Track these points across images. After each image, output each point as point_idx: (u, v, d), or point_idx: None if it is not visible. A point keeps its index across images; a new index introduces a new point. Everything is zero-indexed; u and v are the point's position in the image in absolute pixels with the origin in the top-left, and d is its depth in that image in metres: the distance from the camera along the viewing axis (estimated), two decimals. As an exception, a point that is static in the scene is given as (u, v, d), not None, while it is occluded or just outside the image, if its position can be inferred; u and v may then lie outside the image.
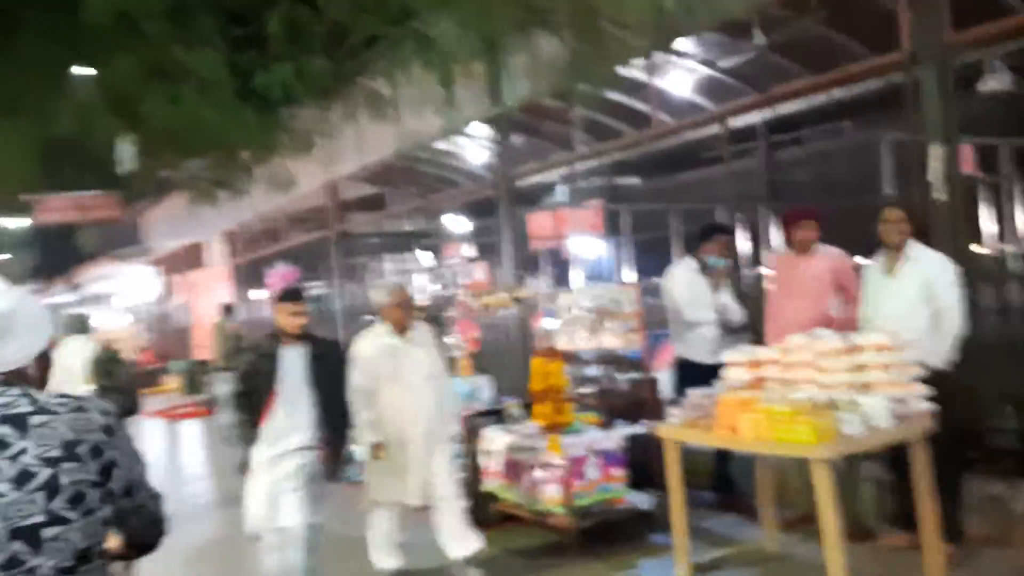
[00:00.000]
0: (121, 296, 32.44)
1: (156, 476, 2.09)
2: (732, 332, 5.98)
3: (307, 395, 4.69)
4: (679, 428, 4.66)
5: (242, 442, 4.82)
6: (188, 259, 22.30)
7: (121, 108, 8.39)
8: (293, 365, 4.69)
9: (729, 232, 6.47)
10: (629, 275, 13.28)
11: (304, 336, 4.74)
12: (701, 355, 5.91)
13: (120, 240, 28.75)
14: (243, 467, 4.83)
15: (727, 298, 6.08)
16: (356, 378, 5.02)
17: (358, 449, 5.33)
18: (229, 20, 7.97)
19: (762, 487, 5.26)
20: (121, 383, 7.40)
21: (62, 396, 1.90)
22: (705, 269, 6.11)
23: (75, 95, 7.84)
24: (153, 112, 8.27)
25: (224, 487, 9.45)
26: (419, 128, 11.57)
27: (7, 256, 54.44)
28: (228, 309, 12.75)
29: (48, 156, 8.65)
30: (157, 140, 9.72)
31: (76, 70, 8.67)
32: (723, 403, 4.38)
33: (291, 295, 4.77)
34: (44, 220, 27.71)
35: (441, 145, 14.26)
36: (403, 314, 5.12)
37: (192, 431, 14.03)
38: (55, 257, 43.73)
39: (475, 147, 14.98)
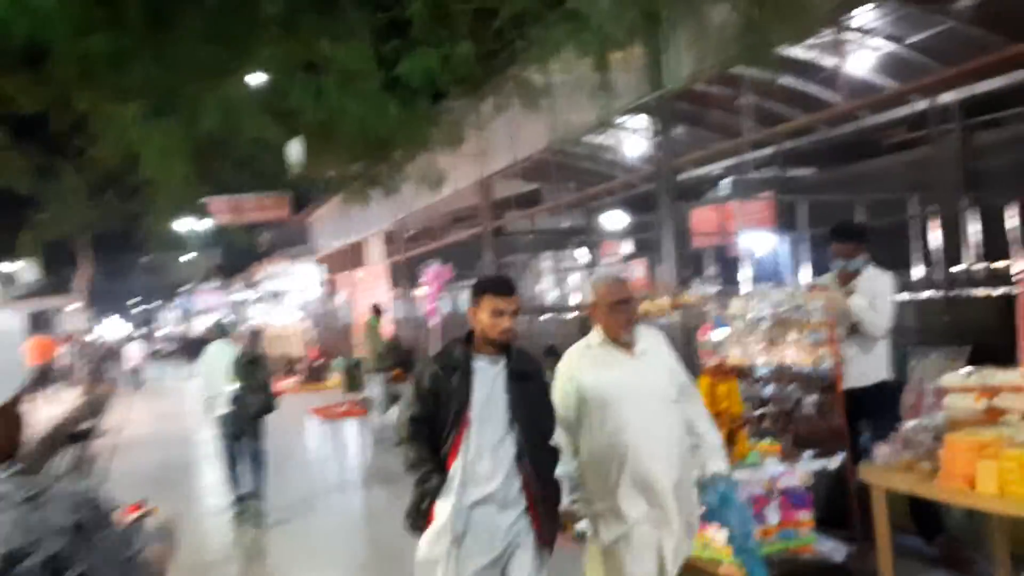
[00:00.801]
0: (292, 293, 33.75)
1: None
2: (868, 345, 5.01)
3: (509, 430, 3.32)
4: (889, 472, 3.71)
5: (416, 513, 3.45)
6: (350, 258, 22.66)
7: (269, 104, 8.19)
8: (491, 385, 3.35)
9: (858, 232, 5.38)
10: (805, 274, 12.05)
11: (505, 346, 3.41)
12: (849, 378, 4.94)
13: (291, 239, 29.85)
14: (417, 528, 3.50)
15: (860, 303, 5.01)
16: (563, 409, 3.63)
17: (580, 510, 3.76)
18: (373, 7, 7.57)
19: (996, 539, 4.18)
20: (260, 382, 8.06)
21: (19, 474, 1.29)
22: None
23: (224, 92, 7.64)
24: (300, 107, 8.04)
25: (369, 500, 9.14)
26: (574, 119, 10.89)
27: (193, 255, 58.32)
28: (378, 309, 12.52)
29: (199, 156, 8.59)
30: (308, 137, 9.54)
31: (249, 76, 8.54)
32: (952, 445, 3.40)
33: (499, 285, 3.44)
34: (219, 221, 29.19)
35: (597, 138, 13.55)
36: (624, 317, 3.67)
37: (346, 432, 13.97)
38: (236, 256, 46.36)
39: (633, 138, 14.17)
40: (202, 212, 29.88)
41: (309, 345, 27.28)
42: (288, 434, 14.04)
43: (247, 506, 8.03)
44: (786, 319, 5.01)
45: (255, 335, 8.29)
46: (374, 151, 10.19)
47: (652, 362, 3.70)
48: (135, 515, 6.58)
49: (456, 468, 3.30)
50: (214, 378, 8.07)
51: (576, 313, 14.47)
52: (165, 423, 17.00)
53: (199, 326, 45.13)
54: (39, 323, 37.98)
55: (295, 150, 17.84)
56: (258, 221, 32.40)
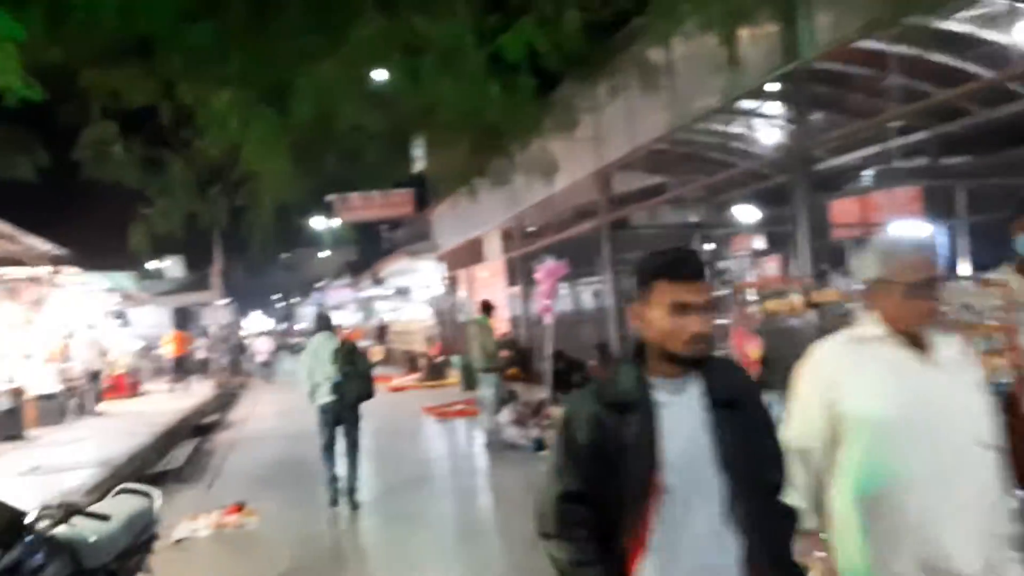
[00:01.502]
0: (417, 290, 33.98)
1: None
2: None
3: (718, 492, 2.13)
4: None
5: None
6: (469, 254, 22.36)
7: (362, 88, 7.76)
8: (687, 426, 2.16)
9: None
10: (964, 268, 10.74)
11: (698, 361, 2.18)
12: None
13: (416, 236, 29.96)
14: None
15: None
16: (803, 438, 2.50)
17: None
18: (473, -21, 7.01)
19: None
20: (359, 371, 8.60)
21: None
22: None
23: (319, 78, 7.25)
24: (397, 90, 7.59)
25: (471, 509, 8.61)
26: (698, 102, 10.03)
27: (328, 253, 60.10)
28: (487, 306, 12.01)
29: (302, 148, 8.26)
30: (410, 125, 9.09)
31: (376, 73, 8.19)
32: None
33: (680, 266, 2.18)
34: (345, 218, 29.63)
35: (724, 125, 12.58)
36: (929, 305, 2.40)
37: (457, 432, 13.54)
38: (365, 253, 47.36)
39: (765, 125, 13.11)
40: (327, 210, 30.54)
41: (432, 341, 27.29)
42: (396, 432, 13.78)
43: (341, 489, 8.50)
44: (951, 322, 4.09)
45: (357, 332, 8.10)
46: (483, 140, 9.65)
47: (960, 378, 2.43)
48: (233, 516, 6.11)
49: (647, 569, 2.13)
50: (317, 367, 8.60)
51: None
52: (287, 418, 17.08)
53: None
54: (183, 318, 39.87)
55: (416, 146, 17.68)
56: (383, 218, 32.87)
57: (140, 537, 4.43)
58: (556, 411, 10.98)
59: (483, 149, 10.15)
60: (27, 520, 3.50)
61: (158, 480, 10.38)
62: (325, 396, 8.48)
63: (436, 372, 23.78)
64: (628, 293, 2.07)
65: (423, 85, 7.21)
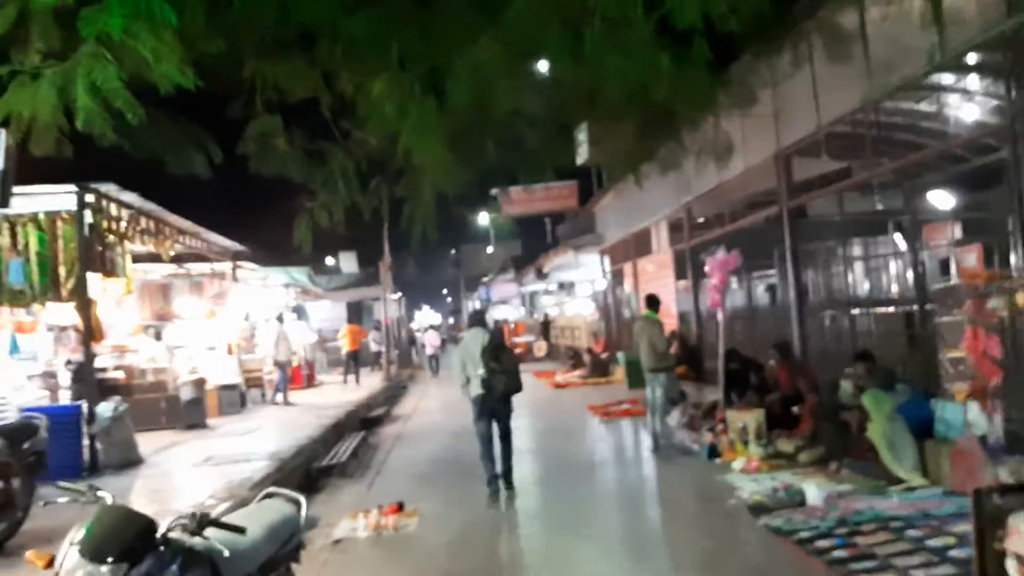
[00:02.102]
0: (581, 284, 33.51)
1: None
2: None
3: None
4: None
5: None
6: (634, 247, 21.60)
7: (520, 70, 7.29)
8: None
9: None
10: None
11: None
12: None
13: (580, 229, 29.47)
14: None
15: None
16: None
17: None
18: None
19: None
20: (506, 366, 8.87)
21: None
22: None
23: (475, 60, 6.85)
24: (558, 70, 7.08)
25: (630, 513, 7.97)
26: (895, 72, 8.91)
27: (492, 249, 60.75)
28: (653, 301, 11.30)
29: (461, 137, 7.91)
30: (573, 108, 8.54)
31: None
32: None
33: None
34: (508, 212, 29.51)
35: (917, 103, 11.24)
36: None
37: (622, 432, 12.91)
38: (529, 247, 47.41)
39: (968, 99, 11.64)
40: (494, 204, 30.53)
41: (596, 337, 26.73)
42: (559, 431, 13.33)
43: (500, 484, 8.75)
44: None
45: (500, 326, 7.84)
46: (651, 121, 8.98)
47: None
48: (394, 517, 5.75)
49: None
50: (469, 362, 8.92)
51: (894, 308, 12.22)
52: (452, 413, 17.01)
53: (495, 315, 46.70)
54: (357, 311, 41.31)
55: (579, 132, 17.13)
56: (546, 212, 32.55)
57: (285, 547, 4.14)
58: (731, 414, 10.14)
59: (651, 131, 9.48)
60: (160, 531, 3.23)
61: (322, 475, 10.42)
62: (477, 389, 8.83)
63: (600, 369, 23.22)
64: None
65: (586, 62, 6.65)
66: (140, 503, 7.86)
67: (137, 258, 16.22)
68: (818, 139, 10.62)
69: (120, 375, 14.87)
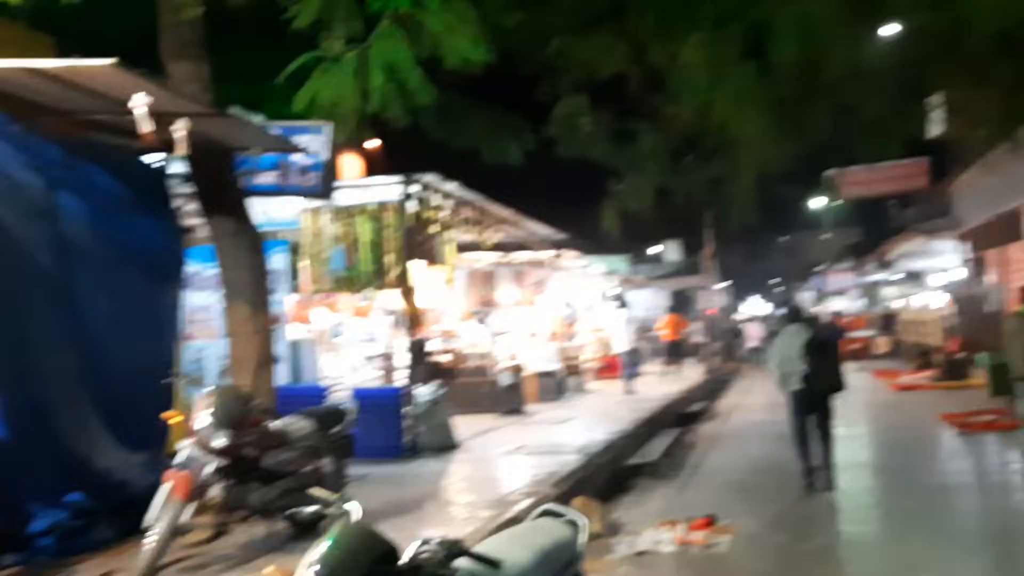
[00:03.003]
0: (932, 275, 29.82)
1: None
2: None
3: None
4: None
5: None
6: (1003, 230, 18.47)
7: (861, 19, 6.09)
8: None
9: None
10: None
11: None
12: None
13: (930, 212, 26.14)
14: None
15: None
16: None
17: None
18: None
19: None
20: (829, 363, 8.59)
21: None
22: None
23: (804, 11, 5.83)
24: (906, 10, 5.81)
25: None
26: None
27: (828, 236, 56.69)
28: (1034, 294, 9.27)
29: (781, 105, 6.88)
30: (922, 63, 7.06)
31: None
32: None
33: None
34: (847, 194, 26.89)
35: None
36: None
37: (987, 449, 10.85)
38: (869, 234, 43.36)
39: None
40: (828, 187, 28.03)
41: (949, 335, 23.52)
42: (904, 443, 11.58)
43: (817, 477, 8.56)
44: None
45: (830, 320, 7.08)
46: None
47: None
48: (704, 532, 4.95)
49: None
50: (787, 356, 8.72)
51: None
52: (778, 412, 15.64)
53: (831, 307, 43.45)
54: (680, 301, 40.62)
55: (933, 101, 14.82)
56: (890, 193, 29.25)
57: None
58: None
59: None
60: (403, 558, 2.81)
61: (631, 474, 9.89)
62: (795, 384, 8.65)
63: (954, 371, 20.29)
64: None
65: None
66: (448, 491, 7.87)
67: (463, 247, 16.97)
68: None
69: (448, 358, 15.57)
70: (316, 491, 3.11)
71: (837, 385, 8.61)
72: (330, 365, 11.82)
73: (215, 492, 5.60)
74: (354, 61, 5.27)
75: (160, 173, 7.45)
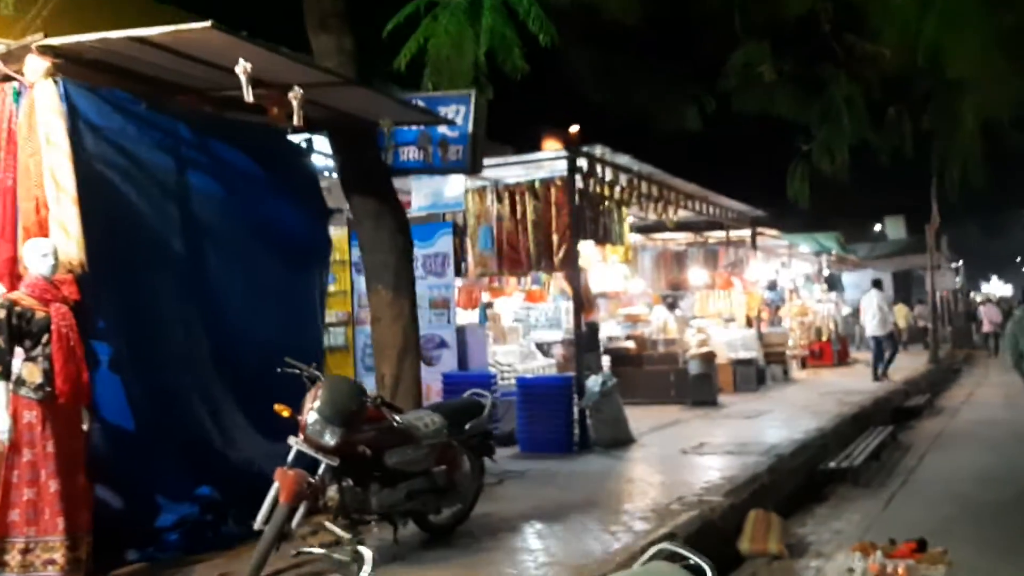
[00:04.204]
0: None
1: None
2: None
3: None
4: None
5: None
6: None
7: None
8: None
9: None
10: None
11: None
12: None
13: None
14: None
15: None
16: None
17: None
18: None
19: None
20: None
21: None
22: None
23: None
24: None
25: None
26: None
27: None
28: None
29: (1012, 31, 5.43)
30: None
31: None
32: None
33: None
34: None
35: None
36: None
37: None
38: None
39: None
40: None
41: None
42: None
43: None
44: None
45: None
46: None
47: None
48: (909, 562, 3.78)
49: None
50: (1022, 338, 8.38)
51: None
52: (1019, 408, 13.48)
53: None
54: (905, 282, 37.06)
55: None
56: None
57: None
58: None
59: None
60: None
61: (830, 479, 8.62)
62: None
63: None
64: None
65: None
66: (604, 495, 7.04)
67: (646, 228, 15.92)
68: None
69: (631, 344, 14.66)
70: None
71: None
72: (502, 352, 11.29)
73: (331, 494, 5.13)
74: (465, 2, 4.57)
75: (300, 151, 7.14)
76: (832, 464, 8.89)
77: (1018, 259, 75.61)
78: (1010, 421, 12.16)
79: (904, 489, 8.31)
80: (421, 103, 7.23)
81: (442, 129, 7.36)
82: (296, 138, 7.21)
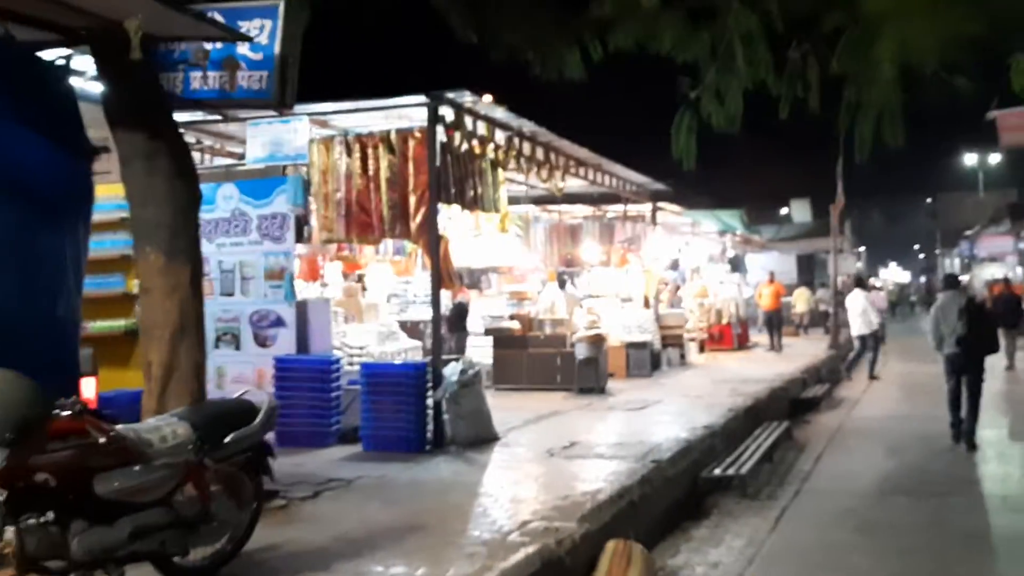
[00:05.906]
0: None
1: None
2: None
3: None
4: None
5: None
6: None
7: None
8: None
9: None
10: None
11: None
12: None
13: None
14: None
15: None
16: None
17: None
18: None
19: None
20: (984, 329, 9.14)
21: None
22: None
23: None
24: None
25: None
26: None
27: (981, 196, 50.98)
28: None
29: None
30: None
31: None
32: None
33: None
34: (1010, 142, 22.80)
35: None
36: None
37: None
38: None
39: None
40: (987, 133, 23.91)
41: None
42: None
43: (961, 431, 9.14)
44: None
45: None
46: None
47: None
48: None
49: None
50: (942, 322, 9.15)
51: None
52: (919, 398, 12.74)
53: (982, 275, 38.83)
54: (808, 266, 36.94)
55: None
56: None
57: None
58: None
59: None
60: None
61: (713, 488, 7.47)
62: (950, 348, 9.11)
63: None
64: None
65: None
66: (437, 514, 5.65)
67: (542, 198, 14.61)
68: None
69: (515, 325, 13.37)
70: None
71: (989, 348, 9.20)
72: (355, 332, 9.80)
73: (7, 538, 3.61)
74: None
75: (54, 71, 5.47)
76: (717, 471, 7.73)
77: (915, 246, 77.76)
78: (914, 417, 11.38)
79: (796, 502, 7.18)
80: (217, 15, 5.63)
81: (242, 50, 5.77)
82: (50, 55, 5.56)
